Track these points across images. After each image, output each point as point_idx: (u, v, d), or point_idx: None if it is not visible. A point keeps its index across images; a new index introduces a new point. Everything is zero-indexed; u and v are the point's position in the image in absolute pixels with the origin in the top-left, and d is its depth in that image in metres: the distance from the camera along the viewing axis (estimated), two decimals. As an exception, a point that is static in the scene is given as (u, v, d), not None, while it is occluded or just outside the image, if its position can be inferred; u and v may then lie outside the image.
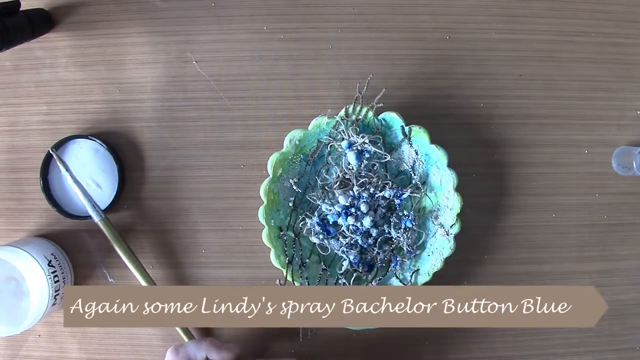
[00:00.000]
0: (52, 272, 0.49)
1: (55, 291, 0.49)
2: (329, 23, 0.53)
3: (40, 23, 0.52)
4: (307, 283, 0.49)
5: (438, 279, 0.49)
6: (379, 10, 0.53)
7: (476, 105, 0.53)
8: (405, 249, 0.50)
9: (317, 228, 0.50)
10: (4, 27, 0.47)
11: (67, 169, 0.49)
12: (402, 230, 0.50)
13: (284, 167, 0.50)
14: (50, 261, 0.49)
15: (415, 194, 0.50)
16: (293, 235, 0.50)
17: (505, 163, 0.53)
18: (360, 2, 0.53)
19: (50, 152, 0.50)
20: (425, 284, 0.49)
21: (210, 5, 0.53)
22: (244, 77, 0.53)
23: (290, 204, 0.50)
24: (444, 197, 0.49)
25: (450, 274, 0.52)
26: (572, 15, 0.54)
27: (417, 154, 0.50)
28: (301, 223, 0.50)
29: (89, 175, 0.52)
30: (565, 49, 0.54)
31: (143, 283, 0.51)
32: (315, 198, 0.50)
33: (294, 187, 0.50)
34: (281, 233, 0.50)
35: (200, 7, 0.53)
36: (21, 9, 0.50)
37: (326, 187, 0.50)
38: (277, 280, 0.49)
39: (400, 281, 0.50)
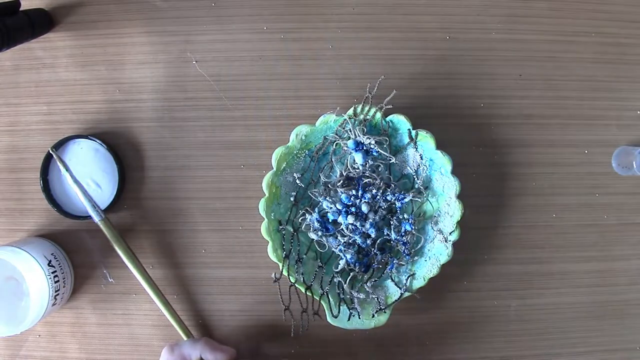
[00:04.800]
0: (52, 272, 0.49)
1: (55, 291, 0.49)
2: (329, 23, 0.53)
3: (40, 23, 0.52)
4: (302, 279, 0.49)
5: (438, 277, 0.49)
6: (379, 10, 0.53)
7: (476, 105, 0.53)
8: (402, 252, 0.50)
9: (317, 224, 0.50)
10: (4, 27, 0.47)
11: (67, 169, 0.49)
12: (401, 233, 0.50)
13: (288, 161, 0.50)
14: (50, 261, 0.49)
15: (417, 199, 0.50)
16: (292, 230, 0.50)
17: (505, 163, 0.53)
18: (360, 2, 0.53)
19: (50, 152, 0.50)
20: (420, 288, 0.49)
21: (210, 5, 0.53)
22: (244, 77, 0.53)
23: (292, 199, 0.50)
24: (445, 203, 0.49)
25: (451, 273, 0.52)
26: (572, 15, 0.54)
27: (422, 158, 0.50)
28: (301, 218, 0.50)
29: (89, 175, 0.52)
30: (565, 49, 0.54)
31: (143, 283, 0.51)
32: (317, 194, 0.50)
33: (297, 182, 0.50)
34: (280, 227, 0.50)
35: (200, 7, 0.53)
36: (21, 9, 0.50)
37: (329, 185, 0.50)
38: (273, 274, 0.49)
39: (396, 284, 0.50)
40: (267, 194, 0.49)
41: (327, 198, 0.50)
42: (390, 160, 0.50)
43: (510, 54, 0.53)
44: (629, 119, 0.54)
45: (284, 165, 0.50)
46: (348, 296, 0.50)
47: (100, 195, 0.52)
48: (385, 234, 0.50)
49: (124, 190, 0.53)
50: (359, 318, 0.49)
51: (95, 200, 0.50)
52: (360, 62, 0.53)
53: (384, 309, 0.49)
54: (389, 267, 0.50)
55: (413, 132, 0.49)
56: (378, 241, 0.50)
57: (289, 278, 0.49)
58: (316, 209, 0.50)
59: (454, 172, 0.49)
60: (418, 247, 0.50)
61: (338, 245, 0.50)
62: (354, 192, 0.50)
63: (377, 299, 0.49)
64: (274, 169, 0.49)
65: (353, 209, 0.50)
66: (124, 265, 0.51)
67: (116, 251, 0.50)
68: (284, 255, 0.49)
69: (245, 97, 0.53)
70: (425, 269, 0.49)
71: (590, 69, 0.54)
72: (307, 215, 0.50)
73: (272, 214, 0.50)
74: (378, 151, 0.49)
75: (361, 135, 0.49)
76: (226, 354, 0.48)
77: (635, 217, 0.54)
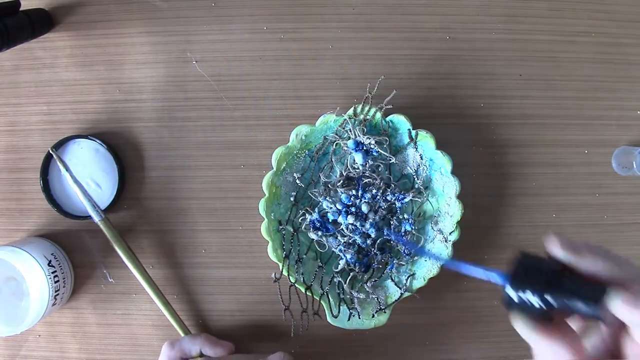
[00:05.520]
0: (52, 272, 0.49)
1: (55, 291, 0.49)
2: (329, 23, 0.53)
3: (40, 23, 0.52)
4: (302, 279, 0.49)
5: (438, 277, 0.49)
6: (379, 10, 0.53)
7: (476, 105, 0.53)
8: (402, 252, 0.50)
9: (317, 224, 0.50)
10: (4, 27, 0.47)
11: (67, 169, 0.49)
12: (401, 233, 0.50)
13: (288, 161, 0.50)
14: (50, 261, 0.49)
15: (417, 199, 0.50)
16: (292, 230, 0.50)
17: (505, 163, 0.53)
18: (360, 2, 0.53)
19: (50, 152, 0.50)
20: (420, 288, 0.49)
21: (210, 5, 0.53)
22: (244, 77, 0.53)
23: (292, 199, 0.50)
24: (445, 203, 0.49)
25: (451, 274, 0.52)
26: (572, 15, 0.54)
27: (422, 158, 0.50)
28: (301, 218, 0.50)
29: (89, 175, 0.52)
30: (565, 49, 0.54)
31: (143, 283, 0.51)
32: (317, 194, 0.50)
33: (297, 182, 0.50)
34: (280, 227, 0.50)
35: (200, 7, 0.53)
36: (21, 9, 0.50)
37: (329, 185, 0.50)
38: (273, 274, 0.49)
39: (396, 284, 0.50)
40: (267, 194, 0.49)
41: (327, 198, 0.50)
42: (390, 160, 0.50)
43: (510, 54, 0.53)
44: (629, 119, 0.54)
45: (284, 165, 0.50)
46: (348, 296, 0.50)
47: (100, 195, 0.52)
48: (385, 234, 0.50)
49: (124, 190, 0.53)
50: (359, 318, 0.49)
51: (95, 200, 0.50)
52: (360, 62, 0.53)
53: (384, 309, 0.49)
54: (389, 267, 0.50)
55: (413, 132, 0.49)
56: (378, 241, 0.50)
57: (289, 278, 0.49)
58: (316, 209, 0.50)
59: (454, 172, 0.49)
60: (418, 247, 0.50)
61: (338, 245, 0.50)
62: (354, 192, 0.50)
63: (377, 299, 0.49)
64: (274, 169, 0.49)
65: (353, 209, 0.50)
66: (124, 265, 0.51)
67: (116, 251, 0.50)
68: (284, 255, 0.49)
69: (245, 97, 0.53)
70: (425, 269, 0.49)
71: (590, 69, 0.54)
72: (307, 215, 0.50)
73: (272, 214, 0.50)
74: (378, 151, 0.49)
75: (361, 135, 0.49)
76: (225, 349, 0.49)
77: (635, 217, 0.54)
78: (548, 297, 0.30)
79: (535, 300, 0.30)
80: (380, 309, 0.49)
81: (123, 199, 0.53)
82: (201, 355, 0.49)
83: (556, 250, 0.31)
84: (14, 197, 0.53)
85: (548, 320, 0.31)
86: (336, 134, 0.50)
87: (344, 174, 0.50)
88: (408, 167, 0.50)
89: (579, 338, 0.32)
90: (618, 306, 0.28)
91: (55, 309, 0.51)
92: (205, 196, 0.53)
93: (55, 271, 0.49)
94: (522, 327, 0.31)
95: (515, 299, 0.30)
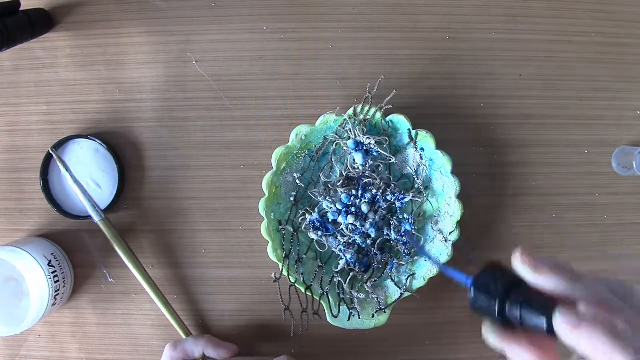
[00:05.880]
0: (52, 272, 0.49)
1: (55, 291, 0.49)
2: (329, 23, 0.53)
3: (40, 23, 0.52)
4: (302, 279, 0.49)
5: (438, 277, 0.49)
6: (379, 10, 0.53)
7: (476, 105, 0.53)
8: (402, 252, 0.50)
9: (317, 224, 0.50)
10: (4, 27, 0.47)
11: (67, 169, 0.49)
12: (401, 233, 0.50)
13: (288, 161, 0.50)
14: (50, 261, 0.49)
15: (417, 199, 0.50)
16: (292, 230, 0.50)
17: (505, 163, 0.53)
18: (360, 2, 0.53)
19: (50, 152, 0.50)
20: (420, 288, 0.49)
21: (210, 5, 0.53)
22: (244, 77, 0.53)
23: (292, 199, 0.50)
24: (445, 203, 0.49)
25: (450, 274, 0.52)
26: (572, 15, 0.54)
27: (422, 158, 0.50)
28: (301, 218, 0.50)
29: (89, 175, 0.52)
30: (565, 49, 0.54)
31: (143, 283, 0.51)
32: (317, 194, 0.50)
33: (297, 182, 0.50)
34: (280, 227, 0.50)
35: (200, 7, 0.53)
36: (21, 9, 0.50)
37: (329, 185, 0.50)
38: (273, 274, 0.49)
39: (396, 284, 0.50)
40: (267, 194, 0.49)
41: (327, 198, 0.50)
42: (390, 160, 0.50)
43: (510, 54, 0.53)
44: (629, 119, 0.54)
45: (284, 165, 0.50)
46: (348, 296, 0.50)
47: (100, 195, 0.52)
48: (385, 234, 0.50)
49: (124, 190, 0.53)
50: (359, 318, 0.49)
51: (95, 200, 0.50)
52: (360, 62, 0.53)
53: (384, 309, 0.49)
54: (389, 267, 0.50)
55: (413, 132, 0.49)
56: (378, 241, 0.50)
57: (289, 278, 0.49)
58: (316, 209, 0.50)
59: (454, 172, 0.49)
60: (420, 246, 0.50)
61: (338, 245, 0.50)
62: (354, 192, 0.50)
63: (377, 299, 0.49)
64: (274, 169, 0.49)
65: (353, 209, 0.50)
66: (124, 265, 0.51)
67: (116, 251, 0.50)
68: (284, 255, 0.49)
69: (245, 97, 0.53)
70: (425, 269, 0.49)
71: (590, 69, 0.54)
72: (307, 215, 0.50)
73: (272, 214, 0.50)
74: (378, 151, 0.49)
75: (361, 135, 0.49)
76: (229, 351, 0.49)
77: (635, 217, 0.54)
78: (506, 306, 0.30)
79: (494, 307, 0.30)
80: (380, 309, 0.49)
81: (123, 199, 0.53)
82: (204, 357, 0.49)
83: (516, 265, 0.31)
84: (14, 197, 0.53)
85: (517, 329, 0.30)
86: (336, 134, 0.50)
87: (344, 174, 0.50)
88: (408, 167, 0.51)
89: (552, 347, 0.31)
90: (558, 326, 0.28)
91: (55, 309, 0.51)
92: (205, 196, 0.53)
93: (55, 271, 0.49)
94: (487, 333, 0.31)
95: (475, 303, 0.30)
